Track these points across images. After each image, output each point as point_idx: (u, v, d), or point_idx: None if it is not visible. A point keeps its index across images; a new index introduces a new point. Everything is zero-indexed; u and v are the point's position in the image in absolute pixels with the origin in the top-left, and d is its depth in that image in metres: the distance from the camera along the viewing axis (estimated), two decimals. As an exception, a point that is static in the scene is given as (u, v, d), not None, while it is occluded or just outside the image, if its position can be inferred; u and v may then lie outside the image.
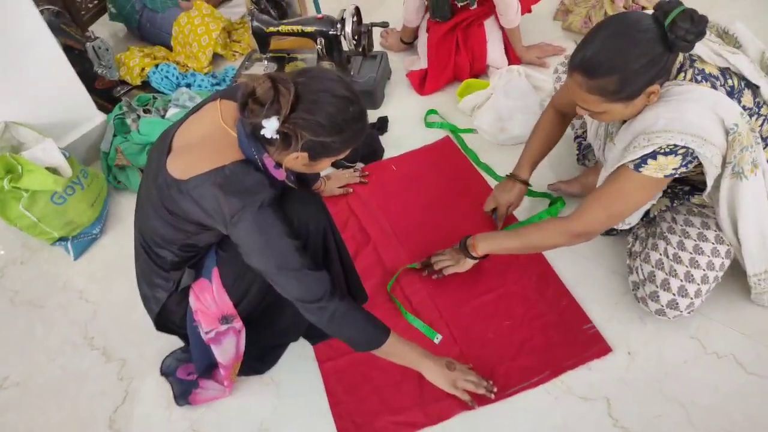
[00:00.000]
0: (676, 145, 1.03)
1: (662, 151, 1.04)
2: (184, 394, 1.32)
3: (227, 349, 1.22)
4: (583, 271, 1.43)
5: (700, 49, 1.09)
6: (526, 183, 1.47)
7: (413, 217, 1.62)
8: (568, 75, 1.05)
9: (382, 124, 1.92)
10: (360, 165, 1.80)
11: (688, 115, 1.02)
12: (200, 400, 1.31)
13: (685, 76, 1.06)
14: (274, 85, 0.87)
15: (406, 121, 1.93)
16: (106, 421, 1.32)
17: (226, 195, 0.92)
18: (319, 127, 0.90)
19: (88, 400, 1.35)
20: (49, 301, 1.59)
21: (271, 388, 1.33)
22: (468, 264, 1.36)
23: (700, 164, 1.10)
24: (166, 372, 1.36)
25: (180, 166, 0.97)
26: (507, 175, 1.50)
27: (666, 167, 1.06)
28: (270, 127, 0.88)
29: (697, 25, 0.96)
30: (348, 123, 0.92)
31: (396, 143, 1.86)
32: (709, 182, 1.11)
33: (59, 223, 1.62)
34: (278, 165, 0.99)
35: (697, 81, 1.06)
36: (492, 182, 1.69)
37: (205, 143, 0.98)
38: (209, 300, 1.14)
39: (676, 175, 1.08)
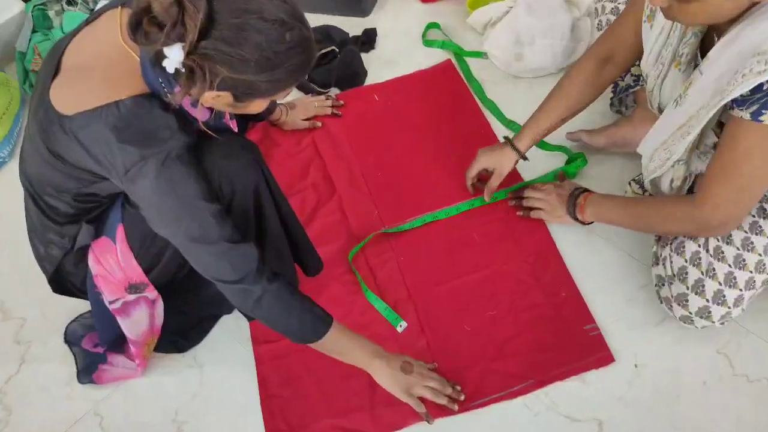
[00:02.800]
0: None
1: None
2: (88, 370, 1.24)
3: (138, 321, 1.15)
4: (593, 253, 1.33)
5: None
6: (521, 155, 1.34)
7: (394, 166, 1.52)
8: None
9: (369, 38, 1.76)
10: (334, 91, 1.68)
11: None
12: (106, 379, 1.24)
13: None
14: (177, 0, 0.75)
15: (399, 37, 1.78)
16: (-7, 394, 1.26)
17: (121, 141, 0.84)
18: (240, 61, 0.80)
19: (-25, 363, 1.30)
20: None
21: (194, 371, 1.26)
22: (563, 219, 1.30)
23: None
24: (70, 340, 1.27)
25: (65, 96, 0.88)
26: (504, 138, 1.37)
27: None
28: (172, 57, 0.78)
29: None
30: (283, 56, 0.82)
31: (384, 65, 1.73)
32: None
33: (-43, 141, 1.44)
34: (196, 103, 0.90)
35: None
36: (498, 127, 1.58)
37: (98, 67, 0.88)
38: (113, 264, 1.07)
39: None
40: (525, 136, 1.33)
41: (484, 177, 1.41)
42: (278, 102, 1.50)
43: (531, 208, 1.34)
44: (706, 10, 0.89)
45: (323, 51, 1.68)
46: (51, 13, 1.65)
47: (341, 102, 1.63)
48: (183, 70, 0.79)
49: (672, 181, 1.16)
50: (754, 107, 0.90)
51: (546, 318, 1.25)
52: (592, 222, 1.26)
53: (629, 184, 1.35)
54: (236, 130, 1.12)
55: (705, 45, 1.05)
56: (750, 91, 0.89)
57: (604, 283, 1.29)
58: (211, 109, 0.97)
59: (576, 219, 1.25)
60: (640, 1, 1.15)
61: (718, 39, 0.96)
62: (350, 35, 1.75)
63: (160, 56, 0.79)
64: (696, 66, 1.04)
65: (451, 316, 1.27)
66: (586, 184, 1.34)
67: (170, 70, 0.79)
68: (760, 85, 0.88)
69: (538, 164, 1.48)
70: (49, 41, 1.64)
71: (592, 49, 1.26)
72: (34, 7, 1.66)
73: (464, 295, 1.30)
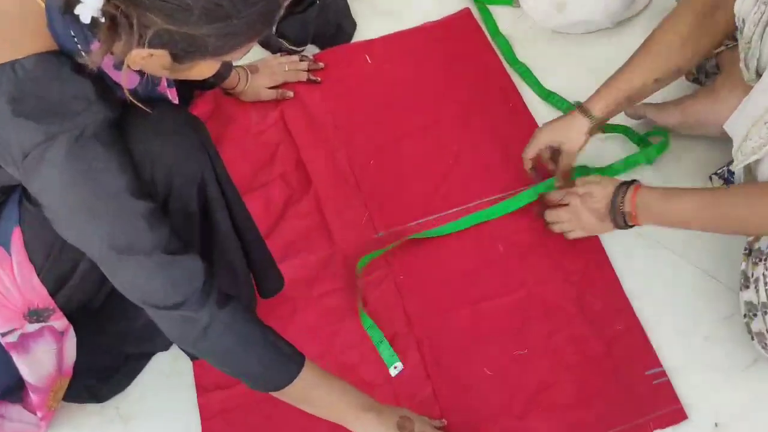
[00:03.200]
0: None
1: None
2: None
3: (41, 361, 1.15)
4: (658, 272, 1.34)
5: None
6: (597, 125, 1.34)
7: (391, 151, 1.54)
8: None
9: None
10: (312, 50, 1.71)
11: None
12: None
13: None
14: None
15: None
16: None
17: (18, 115, 0.85)
18: (180, 8, 0.79)
19: None
20: None
21: (117, 427, 1.27)
22: (609, 231, 1.29)
23: None
24: None
25: None
26: (572, 104, 1.39)
27: None
28: (88, 3, 0.78)
29: None
30: (238, 2, 0.82)
31: (379, 15, 1.76)
32: None
33: None
34: (121, 64, 0.89)
35: None
36: (532, 100, 1.59)
37: None
38: (6, 282, 1.06)
39: None
40: (600, 98, 1.32)
41: (540, 165, 1.42)
42: (234, 64, 1.51)
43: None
44: None
45: None
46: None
47: (320, 64, 1.65)
48: (103, 20, 0.79)
49: None
50: None
51: (594, 359, 1.25)
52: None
53: (710, 179, 1.36)
54: (176, 101, 1.12)
55: None
56: None
57: (674, 312, 1.30)
58: (141, 74, 0.97)
59: (625, 225, 1.24)
60: None
61: None
62: None
63: (71, 3, 0.79)
64: None
65: (465, 355, 1.28)
66: (648, 182, 1.33)
67: (85, 19, 0.79)
68: None
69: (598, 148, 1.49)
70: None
71: (687, 4, 1.26)
72: None
73: (484, 327, 1.31)
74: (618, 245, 1.37)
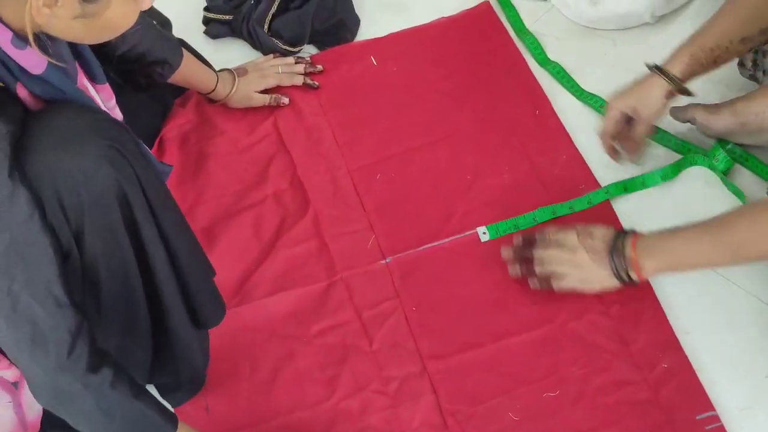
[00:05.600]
0: None
1: None
2: None
3: None
4: (711, 301, 1.34)
5: None
6: (677, 89, 1.37)
7: (401, 165, 1.55)
8: None
9: None
10: (310, 51, 1.73)
11: None
12: None
13: None
14: None
15: None
16: None
17: None
18: None
19: None
20: None
21: None
22: (606, 284, 1.29)
23: None
24: None
25: None
26: (650, 67, 1.40)
27: None
28: None
29: None
30: None
31: (386, 9, 1.78)
32: None
33: None
34: (24, 37, 0.89)
35: None
36: (564, 107, 1.60)
37: None
38: None
39: None
40: (680, 57, 1.36)
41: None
42: (228, 70, 1.56)
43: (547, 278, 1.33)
44: None
45: None
46: None
47: (319, 67, 1.66)
48: None
49: None
50: None
51: (638, 403, 1.26)
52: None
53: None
54: (109, 104, 1.12)
55: None
56: None
57: (729, 348, 1.31)
58: (48, 56, 0.93)
59: (628, 280, 1.26)
60: None
61: None
62: None
63: None
64: None
65: (489, 398, 1.29)
66: (691, 195, 1.37)
67: None
68: None
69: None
70: None
71: None
72: None
73: (509, 367, 1.31)
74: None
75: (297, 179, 1.53)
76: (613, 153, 1.48)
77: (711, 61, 1.35)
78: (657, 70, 1.38)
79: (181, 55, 1.47)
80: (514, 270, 1.35)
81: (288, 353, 1.35)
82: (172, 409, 1.09)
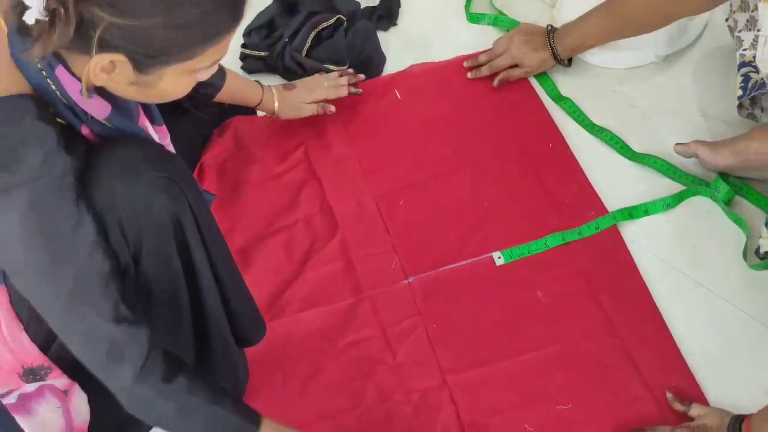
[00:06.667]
0: None
1: None
2: None
3: (47, 422, 1.16)
4: (715, 325, 1.36)
5: None
6: (562, 63, 1.65)
7: (423, 192, 1.57)
8: None
9: (388, 10, 1.84)
10: (349, 71, 1.71)
11: None
12: None
13: None
14: None
15: (431, 8, 1.86)
16: None
17: None
18: None
19: None
20: None
21: None
22: None
23: None
24: None
25: None
26: (548, 28, 1.65)
27: None
28: (34, 2, 0.79)
29: None
30: None
31: (410, 47, 1.80)
32: None
33: None
34: (93, 89, 0.92)
35: None
36: (576, 135, 1.65)
37: None
38: None
39: None
40: (571, 33, 1.61)
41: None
42: (266, 86, 1.55)
43: None
44: None
45: (324, 25, 1.75)
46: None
47: (362, 76, 1.67)
48: (46, 18, 0.79)
49: None
50: None
51: (648, 417, 1.27)
52: None
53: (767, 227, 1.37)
54: (164, 140, 1.14)
55: None
56: None
57: (731, 367, 1.33)
58: (112, 103, 0.97)
59: None
60: None
61: None
62: (362, 5, 1.83)
63: (23, 11, 0.80)
64: None
65: (505, 410, 1.30)
66: (693, 235, 1.40)
67: (29, 19, 0.79)
68: None
69: (635, 185, 1.56)
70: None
71: None
72: None
73: (525, 380, 1.33)
74: (670, 296, 1.41)
75: (326, 204, 1.55)
76: (476, 70, 1.71)
77: (589, 47, 1.63)
78: (551, 40, 1.62)
79: (224, 76, 1.48)
80: None
81: (316, 366, 1.36)
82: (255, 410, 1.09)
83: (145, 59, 0.87)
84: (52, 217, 0.90)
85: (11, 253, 0.91)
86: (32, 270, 0.92)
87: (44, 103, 0.91)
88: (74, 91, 0.92)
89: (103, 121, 0.98)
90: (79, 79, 0.90)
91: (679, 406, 1.27)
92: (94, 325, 0.94)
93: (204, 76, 0.95)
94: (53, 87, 0.91)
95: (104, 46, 0.83)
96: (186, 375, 1.00)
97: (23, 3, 0.79)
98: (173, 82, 0.93)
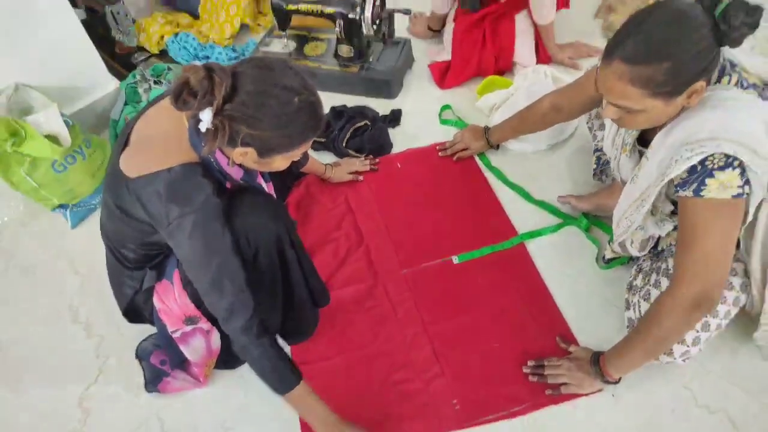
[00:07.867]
0: (727, 156, 0.91)
1: (715, 166, 0.93)
2: (154, 381, 1.28)
3: (196, 348, 1.20)
4: (578, 300, 1.38)
5: (740, 56, 1.00)
6: (492, 146, 1.64)
7: (412, 220, 1.58)
8: (603, 66, 0.93)
9: (395, 116, 1.85)
10: (370, 156, 1.75)
11: (738, 124, 0.91)
12: (170, 389, 1.28)
13: (729, 81, 0.97)
14: (208, 74, 0.82)
15: (420, 115, 1.86)
16: (75, 399, 1.31)
17: (167, 200, 0.90)
18: (255, 120, 0.85)
19: (63, 373, 1.35)
20: (41, 268, 1.58)
21: (242, 384, 1.29)
22: (595, 387, 1.18)
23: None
24: (141, 355, 1.32)
25: (131, 163, 0.94)
26: (485, 127, 1.64)
27: (729, 185, 0.93)
28: (205, 119, 0.84)
29: (752, 15, 0.86)
30: (292, 116, 0.86)
31: (407, 138, 1.80)
32: (751, 210, 0.98)
33: (59, 191, 1.61)
34: (234, 163, 0.95)
35: (743, 87, 0.96)
36: (500, 188, 1.64)
37: (158, 138, 0.94)
38: (171, 301, 1.12)
39: (743, 196, 0.94)
40: (503, 129, 1.58)
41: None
42: (307, 157, 1.54)
43: (559, 384, 1.22)
44: (650, 118, 1.00)
45: (358, 125, 1.79)
46: (140, 90, 1.82)
47: (377, 159, 1.70)
48: (211, 128, 0.84)
49: (632, 242, 1.22)
50: (694, 185, 0.98)
51: (545, 352, 1.29)
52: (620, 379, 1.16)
53: (609, 243, 1.37)
54: (271, 192, 1.14)
55: (644, 135, 1.16)
56: (687, 172, 0.99)
57: (589, 324, 1.34)
58: (245, 169, 1.00)
59: (608, 382, 1.16)
60: (593, 75, 1.26)
61: (659, 131, 1.07)
62: (380, 113, 1.85)
63: (198, 122, 0.85)
64: (641, 153, 1.14)
65: (459, 345, 1.33)
66: (568, 249, 1.41)
67: (202, 129, 0.84)
68: (694, 167, 0.97)
69: (534, 218, 1.57)
70: (136, 113, 1.80)
71: (552, 96, 1.39)
72: (127, 85, 1.83)
73: (473, 328, 1.35)
74: (555, 284, 1.42)
75: (357, 227, 1.56)
76: (443, 151, 1.71)
77: (508, 139, 1.62)
78: (488, 134, 1.61)
79: (308, 157, 1.51)
80: (533, 379, 1.24)
81: (351, 319, 1.39)
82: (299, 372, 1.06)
83: (265, 152, 0.91)
84: (208, 231, 0.93)
85: (183, 251, 0.95)
86: (195, 260, 0.95)
87: (207, 169, 0.95)
88: (224, 163, 0.97)
89: (239, 180, 1.02)
90: (227, 157, 0.95)
91: (563, 345, 1.30)
92: (225, 294, 0.96)
93: (297, 158, 0.98)
94: (212, 160, 0.96)
95: (242, 144, 0.88)
96: (269, 337, 1.00)
97: (199, 118, 0.85)
98: (279, 162, 0.96)
